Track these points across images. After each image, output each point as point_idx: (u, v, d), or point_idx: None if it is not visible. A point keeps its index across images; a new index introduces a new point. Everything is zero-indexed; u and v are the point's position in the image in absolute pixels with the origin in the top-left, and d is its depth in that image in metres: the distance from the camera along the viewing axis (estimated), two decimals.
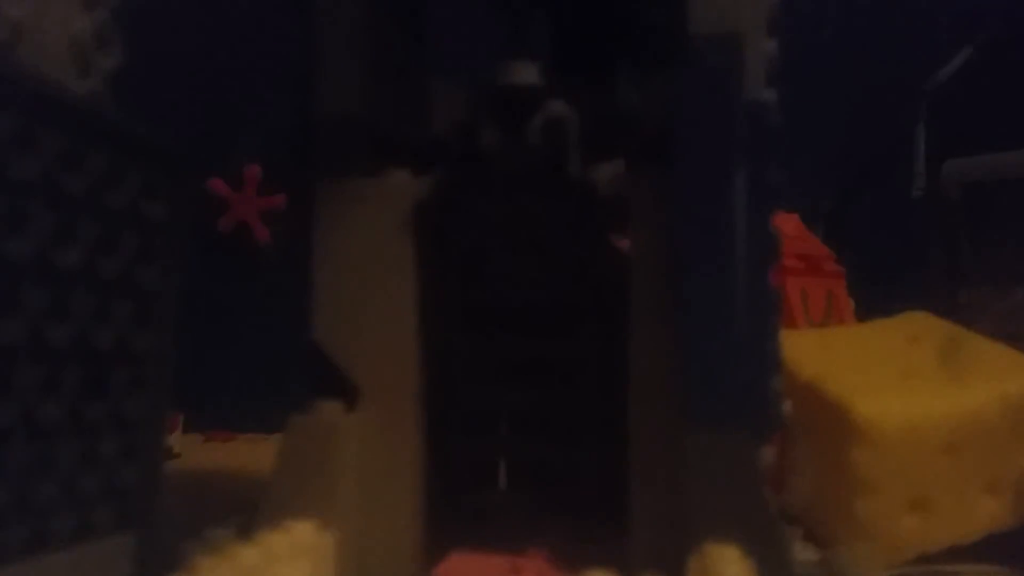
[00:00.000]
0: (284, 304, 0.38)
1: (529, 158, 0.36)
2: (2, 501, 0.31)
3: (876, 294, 0.76)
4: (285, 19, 0.39)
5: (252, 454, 0.65)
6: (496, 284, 0.37)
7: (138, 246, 0.38)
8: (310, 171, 0.37)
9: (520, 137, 0.36)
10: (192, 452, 0.67)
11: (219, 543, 0.30)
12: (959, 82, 0.99)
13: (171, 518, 0.40)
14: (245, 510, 0.34)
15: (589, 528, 0.34)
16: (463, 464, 0.37)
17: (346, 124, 0.36)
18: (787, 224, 0.77)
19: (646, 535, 0.33)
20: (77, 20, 0.38)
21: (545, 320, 0.37)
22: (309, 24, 0.37)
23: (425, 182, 0.37)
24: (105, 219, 0.36)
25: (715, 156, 0.32)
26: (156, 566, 0.29)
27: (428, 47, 0.40)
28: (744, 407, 0.31)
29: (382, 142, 0.37)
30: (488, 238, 0.37)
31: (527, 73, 0.37)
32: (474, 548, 0.34)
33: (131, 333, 0.38)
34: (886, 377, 0.52)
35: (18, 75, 0.33)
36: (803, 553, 0.46)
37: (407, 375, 0.36)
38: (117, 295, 0.37)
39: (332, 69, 0.36)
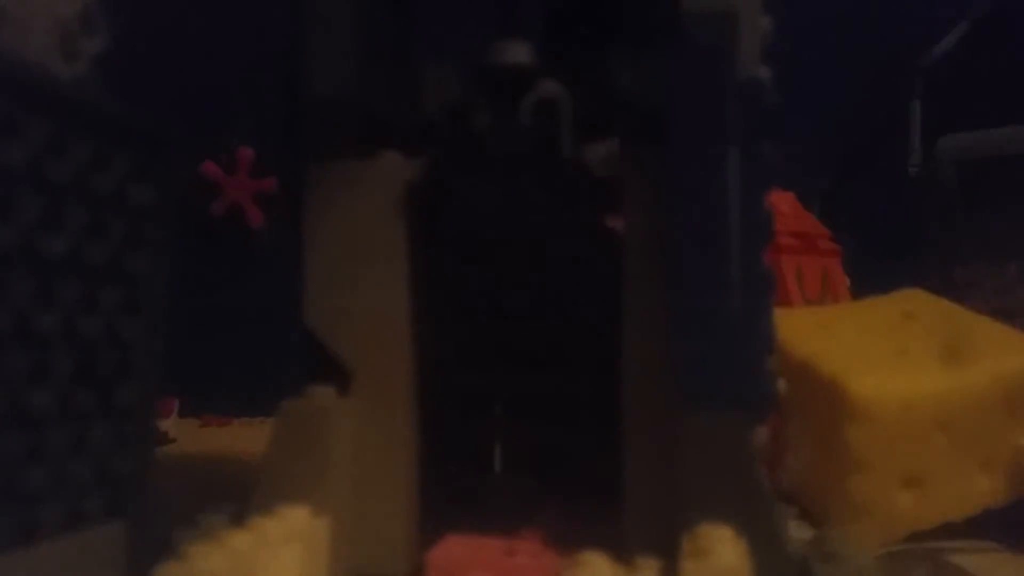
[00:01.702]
0: (277, 288, 0.38)
1: (521, 138, 0.36)
2: None
3: (871, 271, 0.76)
4: (275, 0, 0.38)
5: (248, 438, 0.65)
6: (489, 266, 0.37)
7: (126, 232, 0.38)
8: (301, 154, 0.37)
9: (512, 117, 0.36)
10: (188, 437, 0.67)
11: (212, 529, 0.30)
12: (954, 58, 0.99)
13: (165, 504, 0.40)
14: (241, 495, 0.34)
15: (584, 510, 0.34)
16: (458, 447, 0.37)
17: (337, 106, 0.36)
18: (782, 202, 0.77)
19: (640, 516, 0.33)
20: (62, 4, 0.37)
21: (538, 302, 0.36)
22: (299, 5, 0.36)
23: (417, 164, 0.37)
24: (92, 205, 0.36)
25: (708, 135, 0.32)
26: (148, 554, 0.28)
27: (419, 27, 0.40)
28: (738, 387, 0.31)
29: (373, 124, 0.37)
30: (481, 220, 0.37)
31: (519, 53, 0.36)
32: (469, 531, 0.34)
33: (120, 320, 0.38)
34: (881, 355, 0.52)
35: (3, 61, 0.32)
36: (797, 532, 0.46)
37: (400, 359, 0.36)
38: (105, 282, 0.37)
39: (322, 51, 0.36)
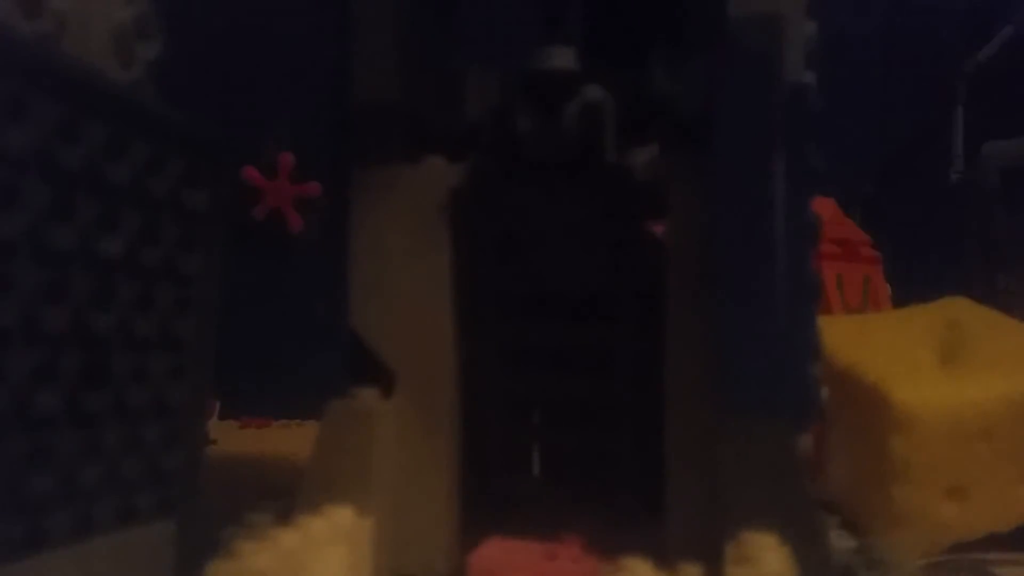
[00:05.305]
0: (319, 291, 0.38)
1: (565, 144, 0.36)
2: (48, 487, 0.32)
3: (913, 279, 0.75)
4: (320, 7, 0.39)
5: (287, 440, 0.65)
6: (531, 271, 0.37)
7: (179, 234, 0.39)
8: (346, 159, 0.37)
9: (556, 123, 0.36)
10: (228, 438, 0.67)
11: (259, 528, 0.30)
12: (998, 63, 0.97)
13: (210, 503, 0.40)
14: (281, 496, 0.34)
15: (625, 515, 0.34)
16: (496, 450, 0.37)
17: (381, 111, 0.36)
18: (823, 208, 0.76)
19: (682, 523, 0.33)
20: (119, 11, 0.38)
21: (580, 307, 0.36)
22: (344, 11, 0.37)
23: (460, 169, 0.37)
24: (147, 208, 0.37)
25: (754, 140, 0.32)
26: (198, 551, 0.29)
27: (462, 32, 0.40)
28: (783, 394, 0.31)
29: (417, 129, 0.37)
30: (524, 225, 0.37)
31: (562, 58, 0.37)
32: (509, 535, 0.34)
33: (173, 320, 0.39)
34: (924, 363, 0.52)
35: (63, 65, 0.33)
36: (839, 541, 0.45)
37: (442, 362, 0.36)
38: (159, 283, 0.38)
39: (367, 56, 0.36)
